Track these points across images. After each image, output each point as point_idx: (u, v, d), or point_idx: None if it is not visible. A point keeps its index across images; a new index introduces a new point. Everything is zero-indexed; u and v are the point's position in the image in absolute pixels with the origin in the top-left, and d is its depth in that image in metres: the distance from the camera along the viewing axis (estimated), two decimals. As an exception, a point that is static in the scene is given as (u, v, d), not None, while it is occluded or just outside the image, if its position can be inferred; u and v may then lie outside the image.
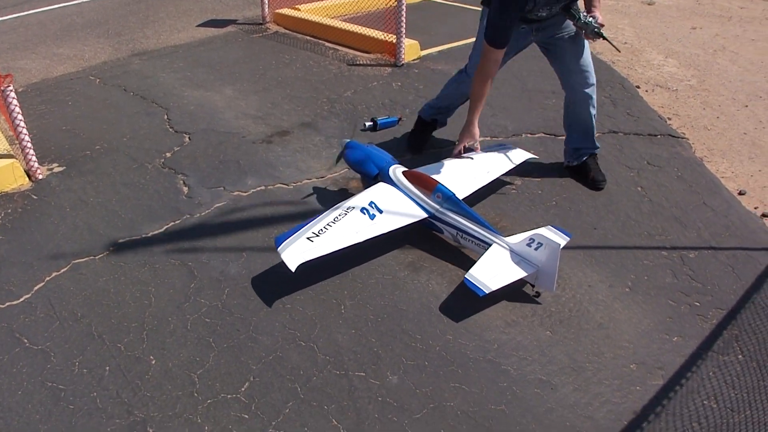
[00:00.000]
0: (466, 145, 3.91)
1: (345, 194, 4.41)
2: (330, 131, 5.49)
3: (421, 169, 3.94)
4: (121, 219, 4.21)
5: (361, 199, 3.57)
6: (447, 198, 3.56)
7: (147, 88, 6.58)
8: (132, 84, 6.70)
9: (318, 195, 4.40)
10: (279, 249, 3.17)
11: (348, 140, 4.27)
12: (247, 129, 5.56)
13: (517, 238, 3.31)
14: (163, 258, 3.78)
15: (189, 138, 5.42)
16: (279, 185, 4.58)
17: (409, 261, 3.64)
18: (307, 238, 3.21)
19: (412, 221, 3.54)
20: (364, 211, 3.45)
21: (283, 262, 3.13)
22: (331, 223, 3.31)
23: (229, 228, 4.07)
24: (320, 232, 3.25)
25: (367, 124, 5.56)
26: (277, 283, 3.49)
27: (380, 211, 3.47)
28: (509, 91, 6.27)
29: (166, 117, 5.86)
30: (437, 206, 3.55)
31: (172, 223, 4.14)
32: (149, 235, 4.02)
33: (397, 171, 3.79)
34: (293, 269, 3.06)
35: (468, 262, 3.54)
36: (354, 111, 5.89)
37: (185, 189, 4.57)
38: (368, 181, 3.96)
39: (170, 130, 5.60)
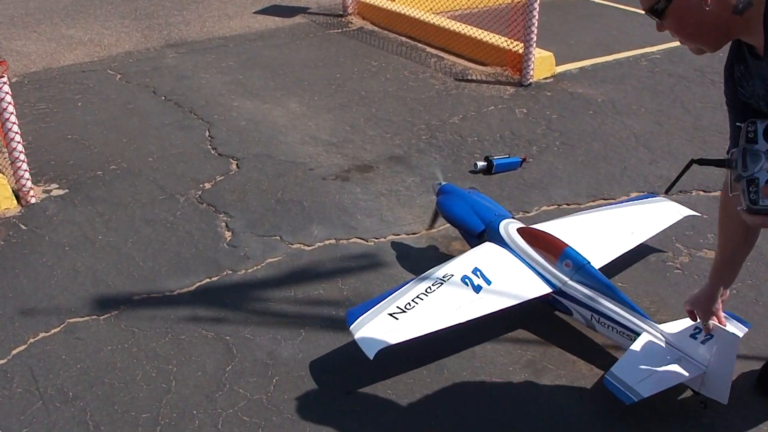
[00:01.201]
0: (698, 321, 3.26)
1: (443, 258, 4.46)
2: (428, 170, 5.60)
3: (542, 226, 3.98)
4: (139, 268, 4.41)
5: (463, 264, 3.67)
6: (579, 267, 3.60)
7: (184, 92, 6.94)
8: (164, 85, 7.08)
9: (407, 256, 4.50)
10: (352, 328, 3.27)
11: (442, 183, 4.39)
12: (316, 159, 5.74)
13: (677, 326, 3.31)
14: (192, 327, 3.92)
15: (237, 165, 5.64)
16: (355, 240, 4.69)
17: (528, 358, 3.59)
18: (391, 315, 3.30)
19: (530, 297, 3.61)
20: (467, 281, 3.56)
21: (357, 345, 3.18)
22: (422, 296, 3.42)
23: (285, 294, 4.18)
24: (408, 307, 3.35)
25: (480, 164, 5.66)
26: (343, 372, 3.55)
27: (488, 282, 3.56)
28: (675, 129, 6.29)
29: (207, 134, 6.16)
30: (566, 278, 3.62)
31: (207, 280, 4.30)
32: (175, 293, 4.19)
33: (510, 228, 3.90)
34: (371, 356, 3.11)
35: (608, 358, 3.55)
36: (462, 144, 6.03)
37: (228, 234, 4.74)
38: (471, 239, 4.09)
39: (212, 152, 5.87)
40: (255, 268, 4.40)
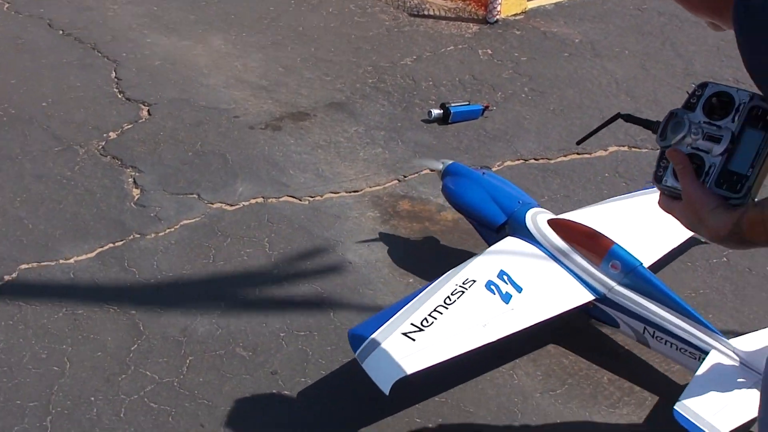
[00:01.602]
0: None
1: (387, 219, 4.47)
2: (374, 119, 5.56)
3: (576, 215, 3.81)
4: (28, 232, 4.33)
5: (485, 266, 3.47)
6: (630, 269, 3.41)
7: (86, 25, 6.78)
8: (62, 17, 6.91)
9: (347, 218, 4.48)
10: (359, 355, 3.05)
11: (448, 162, 4.18)
12: (242, 105, 5.68)
13: (752, 342, 3.15)
14: (91, 300, 3.86)
15: (148, 112, 5.56)
16: (286, 198, 4.67)
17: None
18: (405, 335, 3.09)
19: (569, 308, 3.43)
20: (493, 288, 3.36)
21: (368, 377, 2.98)
22: (440, 308, 3.22)
23: (202, 261, 4.15)
24: (424, 324, 3.14)
25: (435, 112, 5.61)
26: (267, 351, 3.54)
27: (518, 289, 3.38)
28: (663, 75, 6.31)
29: (113, 75, 6.03)
30: (612, 282, 3.43)
31: (111, 246, 4.25)
32: (72, 261, 4.13)
33: (539, 219, 3.71)
34: (386, 390, 2.91)
35: (666, 384, 3.46)
36: (414, 89, 5.99)
37: (136, 192, 4.68)
38: (487, 233, 3.92)
39: (119, 96, 5.76)
40: (168, 231, 4.35)
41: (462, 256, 4.13)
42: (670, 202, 1.90)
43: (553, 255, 3.58)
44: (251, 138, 5.27)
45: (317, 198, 4.69)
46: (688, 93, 1.94)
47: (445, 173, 4.10)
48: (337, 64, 6.31)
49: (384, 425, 3.22)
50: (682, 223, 1.85)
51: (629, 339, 3.54)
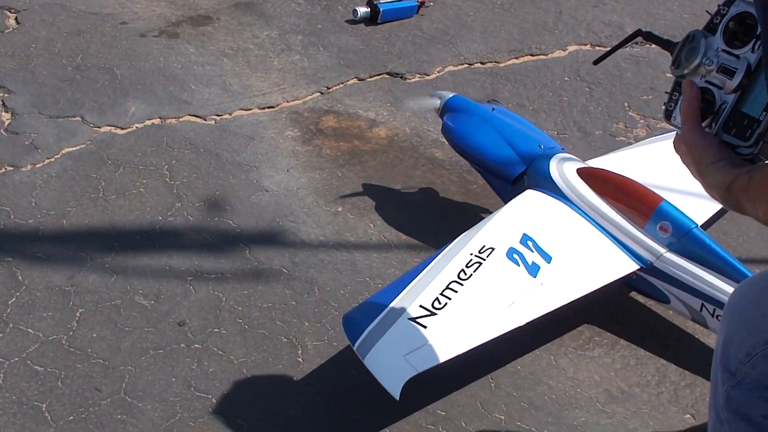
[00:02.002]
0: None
1: (311, 139, 4.41)
2: (289, 21, 5.50)
3: (606, 162, 3.66)
4: None
5: (504, 229, 3.33)
6: (683, 232, 3.23)
7: None
8: None
9: (262, 138, 4.42)
10: (358, 348, 2.86)
11: (448, 95, 4.03)
12: (131, 9, 5.58)
13: None
14: (-43, 247, 3.79)
15: (16, 20, 5.43)
16: (188, 118, 4.62)
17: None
18: (415, 321, 2.93)
19: (610, 280, 3.27)
20: (516, 257, 3.21)
21: (372, 377, 2.79)
22: (454, 285, 3.07)
23: (90, 195, 4.08)
24: (436, 306, 2.98)
25: (361, 11, 5.57)
26: (173, 299, 3.50)
27: (546, 258, 3.23)
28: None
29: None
30: (661, 249, 3.27)
31: (-23, 181, 4.15)
32: (-70, 200, 4.03)
33: (567, 169, 3.54)
34: (397, 394, 2.75)
35: None
36: (340, -15, 5.91)
37: (6, 117, 4.59)
38: (500, 184, 3.79)
39: (-21, 1, 5.61)
40: (47, 161, 4.27)
41: (401, 178, 4.21)
42: (681, 143, 1.87)
43: (587, 214, 3.43)
44: (143, 48, 5.18)
45: (225, 116, 4.65)
46: (713, 14, 1.85)
47: (445, 109, 3.94)
48: (242, -42, 6.18)
49: (314, 378, 3.19)
50: (689, 170, 1.85)
51: (683, 316, 3.39)
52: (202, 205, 4.01)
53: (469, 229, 3.33)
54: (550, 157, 3.57)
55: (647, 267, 3.30)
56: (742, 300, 1.91)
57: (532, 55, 5.16)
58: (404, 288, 3.03)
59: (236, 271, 3.64)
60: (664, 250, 3.26)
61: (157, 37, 5.28)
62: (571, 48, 5.23)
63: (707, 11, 1.82)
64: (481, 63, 5.11)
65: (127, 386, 3.14)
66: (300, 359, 3.26)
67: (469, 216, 3.99)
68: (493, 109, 3.89)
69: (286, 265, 3.66)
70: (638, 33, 2.17)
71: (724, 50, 1.81)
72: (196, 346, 3.31)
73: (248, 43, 5.27)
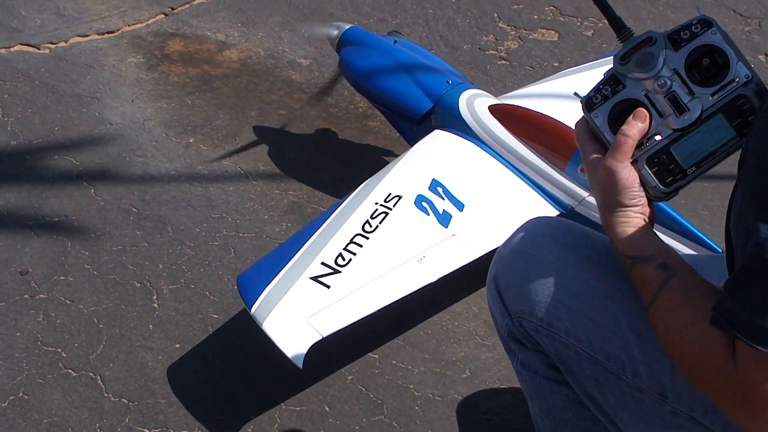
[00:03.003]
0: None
1: (154, 66, 4.21)
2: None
3: (522, 98, 3.54)
4: None
5: (411, 173, 3.21)
6: None
7: None
8: None
9: (102, 66, 4.21)
10: (255, 312, 2.73)
11: (345, 26, 3.85)
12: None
13: None
14: None
15: None
16: (20, 47, 4.42)
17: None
18: (316, 280, 2.80)
19: None
20: (425, 205, 3.07)
21: (272, 342, 2.64)
22: (359, 239, 2.94)
23: None
24: (339, 262, 2.86)
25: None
26: (13, 248, 3.29)
27: (458, 206, 3.09)
28: None
29: None
30: (583, 192, 3.15)
31: None
32: None
33: (477, 106, 3.39)
34: (300, 364, 2.62)
35: None
36: None
37: None
38: (404, 124, 3.64)
39: None
40: None
41: (256, 104, 4.10)
42: (586, 137, 1.81)
43: (501, 156, 3.28)
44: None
45: (61, 44, 4.47)
46: (683, 25, 1.74)
47: (342, 42, 3.75)
48: None
49: (171, 325, 3.05)
50: (585, 169, 1.86)
51: None
52: (40, 142, 3.85)
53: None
54: (459, 93, 3.41)
55: (568, 212, 3.15)
56: (520, 253, 1.98)
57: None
58: (304, 243, 2.89)
59: (81, 212, 3.49)
60: (587, 194, 3.11)
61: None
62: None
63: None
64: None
65: (-35, 345, 2.98)
66: (156, 305, 3.15)
67: (332, 143, 3.94)
68: (395, 41, 3.71)
69: (135, 204, 3.52)
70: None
71: (680, 77, 1.73)
72: (42, 296, 3.17)
73: (83, -42, 5.01)
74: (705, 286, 1.62)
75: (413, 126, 3.52)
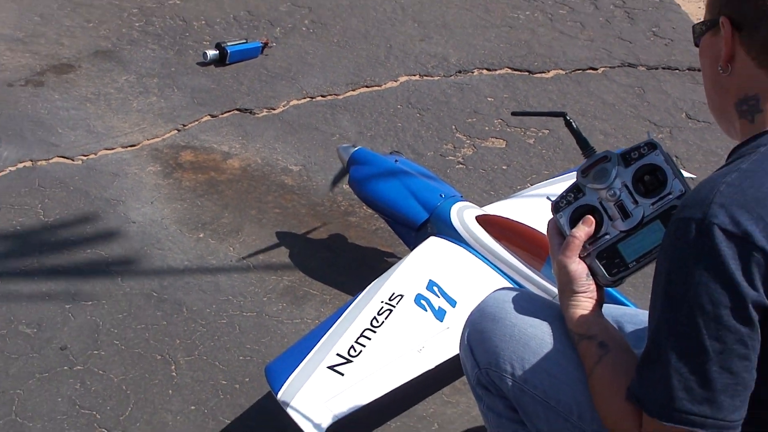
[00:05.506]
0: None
1: (171, 173, 4.46)
2: (145, 65, 5.49)
3: (504, 208, 3.60)
4: None
5: (411, 276, 3.21)
6: None
7: None
8: None
9: (126, 174, 4.39)
10: (281, 397, 2.72)
11: (354, 147, 3.87)
12: (-5, 60, 5.49)
13: None
14: None
15: None
16: (57, 159, 4.56)
17: None
18: (332, 369, 2.82)
19: None
20: (423, 303, 3.09)
21: (295, 425, 2.67)
22: (368, 333, 2.95)
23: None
24: (352, 353, 2.87)
25: (210, 54, 5.55)
26: (63, 328, 3.47)
27: (452, 303, 3.11)
28: (454, -2, 6.48)
29: None
30: (557, 290, 3.02)
31: None
32: None
33: (466, 216, 3.43)
34: None
35: None
36: (186, 30, 5.94)
37: None
38: (405, 232, 3.66)
39: None
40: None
41: (255, 204, 4.24)
42: (554, 233, 2.00)
43: (487, 259, 3.31)
44: (11, 96, 5.09)
45: (91, 156, 4.60)
46: (634, 147, 1.91)
47: (351, 162, 3.79)
48: (98, 9, 6.14)
49: (187, 390, 3.22)
50: (552, 261, 2.01)
51: None
52: (74, 238, 3.98)
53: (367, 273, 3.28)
54: (450, 205, 3.47)
55: None
56: (489, 315, 2.09)
57: (367, 86, 5.29)
58: (322, 336, 2.90)
59: (110, 296, 3.64)
60: None
61: (23, 86, 5.21)
62: (402, 78, 5.39)
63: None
64: (322, 96, 5.21)
65: (17, 408, 3.11)
66: (174, 374, 3.28)
67: (319, 235, 4.08)
68: (396, 160, 3.77)
69: (155, 289, 3.68)
70: (562, 115, 2.20)
71: (628, 188, 1.88)
72: (78, 367, 3.30)
73: (108, 87, 5.25)
74: (631, 364, 1.73)
75: (412, 232, 3.56)
